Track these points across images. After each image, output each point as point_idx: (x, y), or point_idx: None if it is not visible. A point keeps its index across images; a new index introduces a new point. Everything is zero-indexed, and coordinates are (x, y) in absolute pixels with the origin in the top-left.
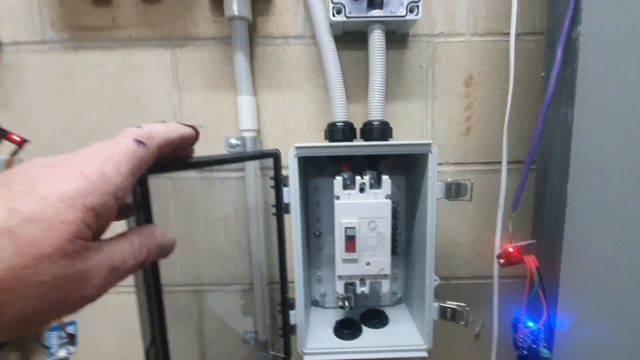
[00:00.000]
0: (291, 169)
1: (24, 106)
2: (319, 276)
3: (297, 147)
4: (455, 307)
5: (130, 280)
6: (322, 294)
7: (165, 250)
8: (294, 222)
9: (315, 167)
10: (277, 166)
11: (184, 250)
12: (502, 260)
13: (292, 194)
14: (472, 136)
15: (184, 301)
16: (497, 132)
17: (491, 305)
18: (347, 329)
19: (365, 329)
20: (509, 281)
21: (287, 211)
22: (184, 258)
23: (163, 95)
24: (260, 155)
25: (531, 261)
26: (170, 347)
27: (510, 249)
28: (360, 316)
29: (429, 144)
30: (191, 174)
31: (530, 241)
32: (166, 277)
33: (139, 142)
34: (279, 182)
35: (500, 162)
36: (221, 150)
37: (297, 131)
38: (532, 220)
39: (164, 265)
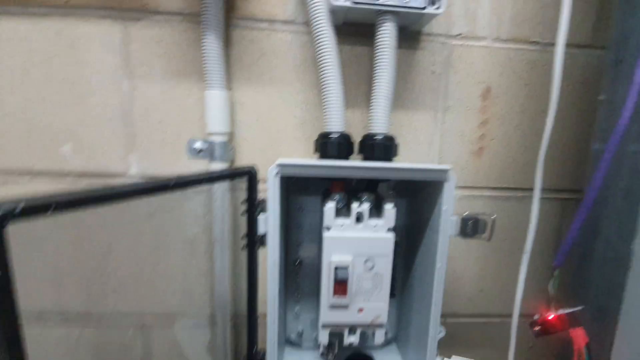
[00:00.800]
0: (271, 192)
1: None
2: (297, 311)
3: (280, 165)
4: None
5: None
6: (300, 332)
7: None
8: (270, 260)
9: (301, 184)
10: (252, 187)
11: (127, 277)
12: (536, 329)
13: (270, 223)
14: (485, 157)
15: (125, 339)
16: (513, 154)
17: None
18: None
19: None
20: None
21: (263, 244)
22: (128, 286)
23: (108, 82)
24: (228, 175)
25: (580, 336)
26: None
27: (550, 317)
28: None
29: (446, 171)
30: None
31: (577, 308)
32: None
33: None
34: (253, 207)
35: (514, 189)
36: (181, 156)
37: (280, 138)
38: (572, 277)
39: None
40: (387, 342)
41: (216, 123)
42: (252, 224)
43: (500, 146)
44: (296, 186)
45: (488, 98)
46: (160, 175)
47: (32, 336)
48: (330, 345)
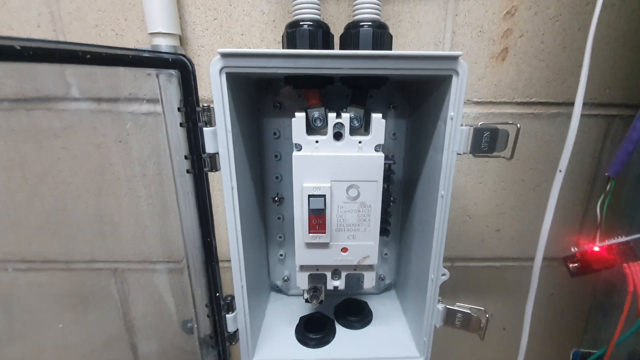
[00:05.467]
0: (217, 95)
1: None
2: (281, 255)
3: (223, 55)
4: (469, 311)
5: None
6: (285, 277)
7: None
8: (226, 188)
9: (272, 100)
10: (187, 87)
11: (87, 217)
12: (574, 265)
13: (220, 138)
14: (510, 61)
15: (99, 281)
16: (547, 57)
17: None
18: (315, 330)
19: (340, 329)
20: (525, 264)
21: (215, 167)
22: (88, 227)
23: None
24: (131, 60)
25: (637, 273)
26: None
27: (596, 248)
28: (334, 309)
29: (454, 58)
30: (83, 104)
31: (635, 236)
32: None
33: None
34: (194, 115)
35: (545, 104)
36: (127, 71)
37: (245, 43)
38: (628, 195)
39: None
40: (385, 289)
41: (159, 22)
42: (193, 139)
43: (530, 46)
44: (268, 105)
45: None
46: (108, 95)
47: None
48: (315, 290)
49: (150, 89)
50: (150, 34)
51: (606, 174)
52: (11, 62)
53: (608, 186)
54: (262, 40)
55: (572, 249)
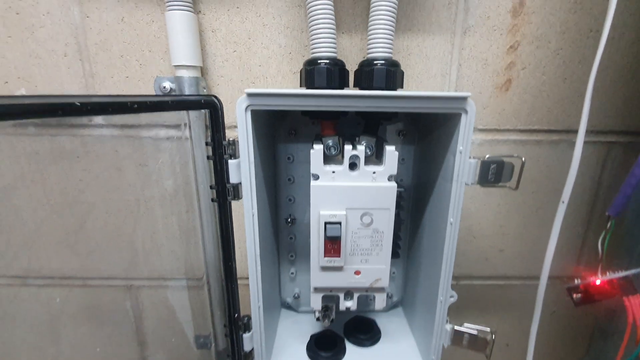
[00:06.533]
0: (242, 131)
1: None
2: (292, 273)
3: (250, 95)
4: (476, 332)
5: None
6: (296, 295)
7: None
8: (247, 214)
9: (288, 128)
10: (216, 124)
11: (106, 235)
12: (577, 295)
13: (244, 169)
14: (513, 92)
15: (113, 298)
16: (548, 87)
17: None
18: (325, 348)
19: (350, 347)
20: (528, 283)
21: (238, 196)
22: (105, 244)
23: (57, 9)
24: (172, 105)
25: (637, 306)
26: None
27: (598, 282)
28: (344, 327)
29: (463, 99)
30: (107, 131)
31: (633, 271)
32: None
33: None
34: (220, 149)
35: (548, 132)
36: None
37: (262, 73)
38: (628, 232)
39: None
40: (392, 306)
41: (182, 54)
42: (220, 170)
43: (532, 77)
44: (283, 132)
45: (520, 14)
46: (129, 121)
47: (21, 298)
48: (326, 310)
49: (169, 116)
50: (175, 66)
51: (607, 214)
52: (73, 117)
53: (608, 224)
54: (279, 71)
55: (576, 281)
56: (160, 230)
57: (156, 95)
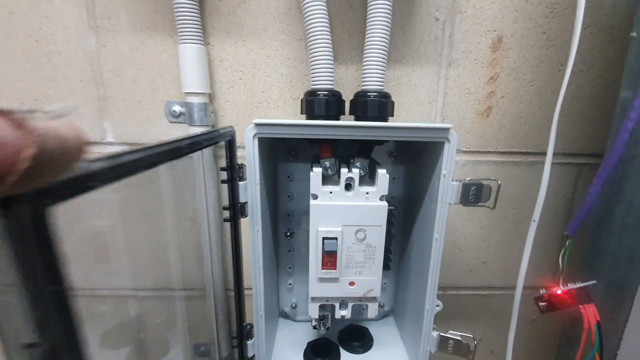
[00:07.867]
0: (250, 156)
1: None
2: (290, 284)
3: (257, 125)
4: (460, 338)
5: None
6: (293, 305)
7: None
8: (252, 231)
9: (288, 149)
10: (232, 152)
11: (114, 249)
12: (543, 304)
13: (250, 190)
14: (493, 118)
15: (116, 307)
16: (525, 114)
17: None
18: (321, 355)
19: (344, 354)
20: (509, 293)
21: (244, 214)
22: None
23: (74, 37)
24: (198, 145)
25: (590, 314)
26: None
27: (559, 291)
28: (338, 335)
29: (446, 129)
30: (117, 148)
31: (589, 282)
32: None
33: None
34: (234, 173)
35: (525, 154)
36: (159, 120)
37: (265, 99)
38: (585, 249)
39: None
40: (384, 315)
41: (192, 82)
42: (233, 192)
43: (510, 105)
44: (284, 152)
45: (499, 49)
46: (140, 139)
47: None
48: (322, 318)
49: (176, 133)
50: (185, 93)
51: (565, 233)
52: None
53: (567, 242)
54: (281, 97)
55: (541, 291)
56: (166, 243)
57: (189, 137)
